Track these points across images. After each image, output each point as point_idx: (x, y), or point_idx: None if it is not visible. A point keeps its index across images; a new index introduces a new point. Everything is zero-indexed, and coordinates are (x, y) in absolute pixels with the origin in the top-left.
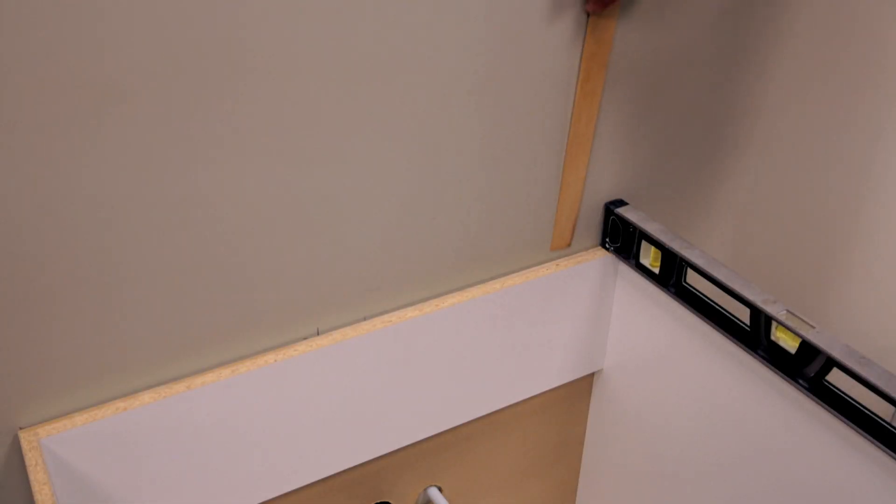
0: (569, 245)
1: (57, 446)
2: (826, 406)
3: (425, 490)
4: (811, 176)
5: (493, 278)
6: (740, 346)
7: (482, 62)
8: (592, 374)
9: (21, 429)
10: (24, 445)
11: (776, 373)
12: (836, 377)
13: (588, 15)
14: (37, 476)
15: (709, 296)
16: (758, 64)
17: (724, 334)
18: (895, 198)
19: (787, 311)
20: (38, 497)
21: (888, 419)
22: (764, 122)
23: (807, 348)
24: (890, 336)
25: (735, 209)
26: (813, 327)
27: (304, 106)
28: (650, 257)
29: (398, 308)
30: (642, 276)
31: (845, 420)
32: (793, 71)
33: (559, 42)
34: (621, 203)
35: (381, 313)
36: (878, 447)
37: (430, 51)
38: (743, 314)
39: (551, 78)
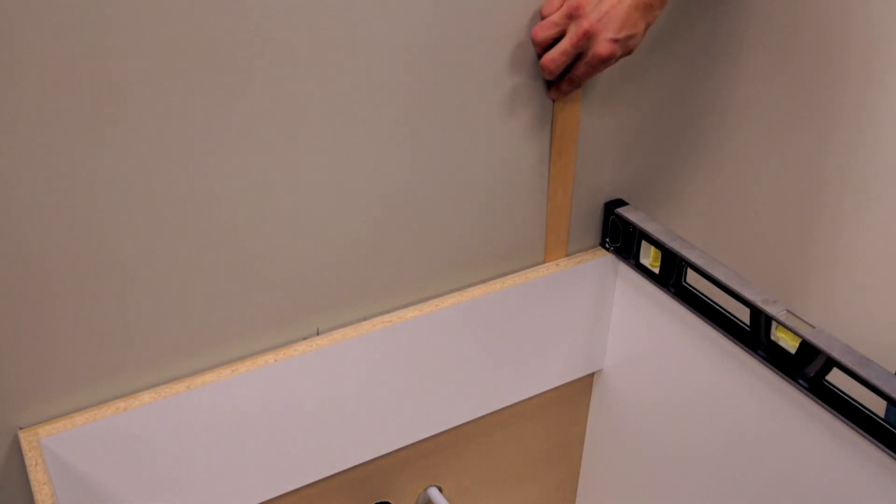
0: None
1: (57, 446)
2: (826, 406)
3: (425, 490)
4: (809, 177)
5: (493, 278)
6: (740, 346)
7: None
8: (592, 374)
9: (21, 429)
10: (24, 445)
11: (776, 373)
12: (836, 377)
13: (553, 101)
14: (37, 476)
15: (709, 296)
16: (748, 67)
17: (724, 334)
18: (888, 197)
19: (787, 311)
20: (38, 497)
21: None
22: (762, 124)
23: (807, 348)
24: (891, 335)
25: (735, 210)
26: (813, 327)
27: (306, 105)
28: (650, 257)
29: (398, 308)
30: (642, 276)
31: (845, 420)
32: (784, 73)
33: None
34: (621, 203)
35: (381, 313)
36: (878, 447)
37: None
38: (743, 314)
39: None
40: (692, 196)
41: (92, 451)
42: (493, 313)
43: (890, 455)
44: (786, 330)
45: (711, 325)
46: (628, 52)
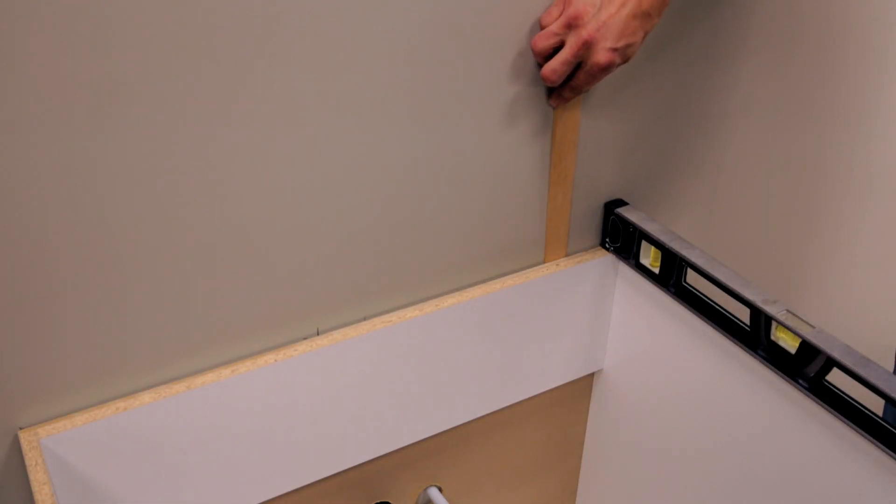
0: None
1: (57, 446)
2: (826, 406)
3: (425, 490)
4: (810, 176)
5: (493, 278)
6: (740, 346)
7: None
8: (592, 374)
9: (21, 429)
10: (24, 445)
11: (776, 373)
12: (836, 377)
13: (553, 107)
14: (37, 476)
15: (709, 296)
16: (747, 69)
17: (724, 334)
18: (888, 198)
19: (787, 310)
20: (38, 497)
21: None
22: (761, 125)
23: (807, 348)
24: (890, 336)
25: (735, 209)
26: (813, 327)
27: (307, 105)
28: (650, 257)
29: (398, 308)
30: (642, 276)
31: (845, 420)
32: (783, 74)
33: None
34: (621, 203)
35: (381, 313)
36: (878, 447)
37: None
38: (743, 314)
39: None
40: (692, 196)
41: (92, 451)
42: (492, 313)
43: (890, 455)
44: (786, 330)
45: (711, 325)
46: (626, 60)
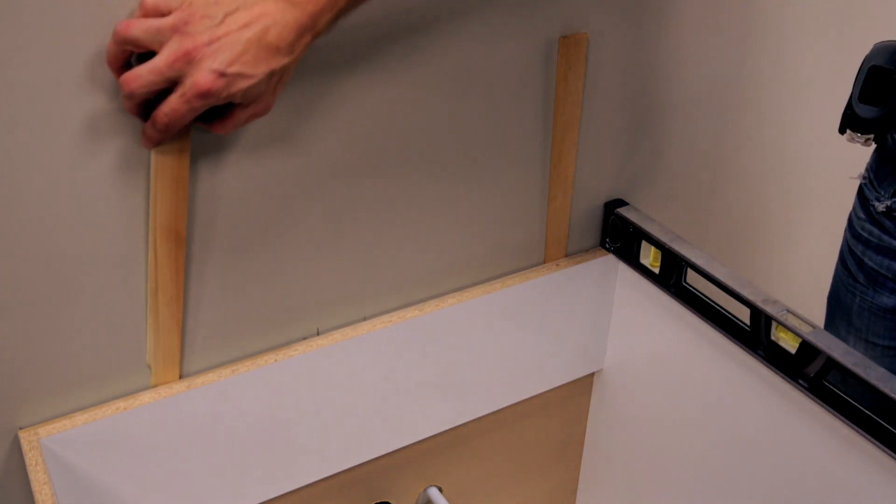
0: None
1: (57, 446)
2: (826, 406)
3: (425, 490)
4: (810, 176)
5: (493, 278)
6: (740, 346)
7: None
8: (592, 374)
9: (21, 429)
10: (24, 445)
11: (776, 373)
12: (835, 377)
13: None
14: (37, 476)
15: (709, 296)
16: (748, 67)
17: (724, 334)
18: None
19: (787, 310)
20: (38, 497)
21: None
22: (761, 124)
23: (807, 348)
24: None
25: (735, 210)
26: (813, 327)
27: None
28: (650, 257)
29: (398, 308)
30: (642, 276)
31: (845, 420)
32: (786, 72)
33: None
34: (621, 203)
35: (381, 313)
36: (878, 447)
37: None
38: (743, 314)
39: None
40: (692, 196)
41: (92, 451)
42: (492, 313)
43: (890, 455)
44: (786, 330)
45: (711, 325)
46: (234, 96)
